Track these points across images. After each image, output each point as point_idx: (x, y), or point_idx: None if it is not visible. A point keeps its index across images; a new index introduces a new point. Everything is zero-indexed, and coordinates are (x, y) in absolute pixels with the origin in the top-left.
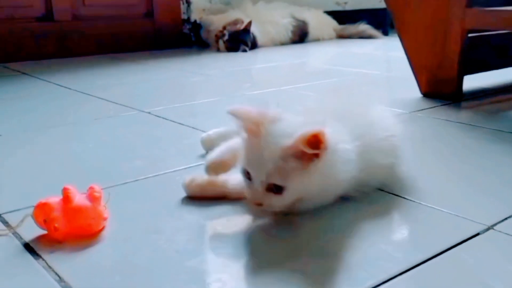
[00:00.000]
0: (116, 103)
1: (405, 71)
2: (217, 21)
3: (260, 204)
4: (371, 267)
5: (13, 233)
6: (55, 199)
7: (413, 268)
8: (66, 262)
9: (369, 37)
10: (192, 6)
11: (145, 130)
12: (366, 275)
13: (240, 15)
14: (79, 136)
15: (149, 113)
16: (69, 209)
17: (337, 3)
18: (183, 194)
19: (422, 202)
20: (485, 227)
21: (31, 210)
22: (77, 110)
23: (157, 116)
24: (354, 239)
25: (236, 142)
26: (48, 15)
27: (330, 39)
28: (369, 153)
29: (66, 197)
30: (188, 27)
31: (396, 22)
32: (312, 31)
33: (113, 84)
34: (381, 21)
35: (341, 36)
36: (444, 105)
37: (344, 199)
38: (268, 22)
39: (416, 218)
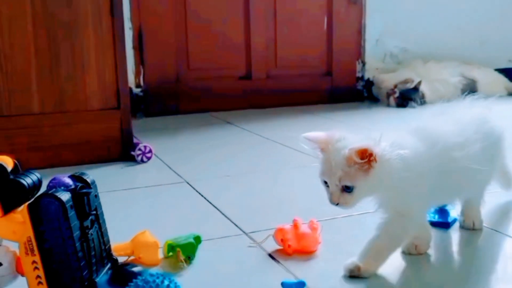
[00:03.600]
0: (303, 153)
1: None
2: (388, 80)
3: (337, 203)
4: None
5: (258, 246)
6: (288, 226)
7: None
8: (297, 267)
9: None
10: (367, 66)
11: None
12: None
13: (410, 74)
14: (285, 181)
15: None
16: (297, 234)
17: (510, 61)
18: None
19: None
20: None
21: (272, 231)
22: (274, 158)
23: None
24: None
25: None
26: (247, 75)
27: (500, 96)
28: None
29: (296, 225)
30: (361, 84)
31: None
32: (481, 89)
33: (298, 134)
34: None
35: None
36: None
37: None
38: (437, 80)
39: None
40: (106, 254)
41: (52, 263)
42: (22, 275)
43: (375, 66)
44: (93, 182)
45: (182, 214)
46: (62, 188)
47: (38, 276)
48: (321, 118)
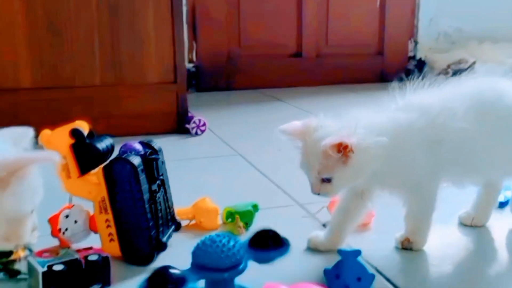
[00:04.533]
0: None
1: None
2: (440, 60)
3: (319, 193)
4: None
5: (312, 217)
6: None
7: None
8: (350, 238)
9: None
10: (419, 45)
11: None
12: None
13: (464, 54)
14: None
15: None
16: None
17: None
18: None
19: None
20: None
21: (326, 203)
22: None
23: None
24: None
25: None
26: (298, 53)
27: None
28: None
29: None
30: (413, 63)
31: None
32: None
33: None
34: None
35: None
36: None
37: None
38: (492, 61)
39: None
40: (170, 217)
41: (123, 222)
42: (95, 232)
43: (428, 45)
44: (160, 149)
45: (237, 184)
46: (133, 153)
47: (110, 234)
48: (370, 97)
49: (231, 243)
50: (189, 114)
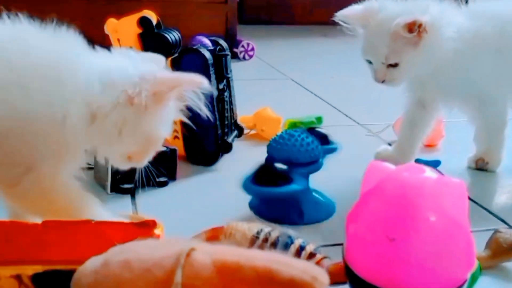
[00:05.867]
0: None
1: None
2: None
3: (383, 81)
4: None
5: (376, 136)
6: None
7: None
8: (424, 156)
9: None
10: None
11: None
12: None
13: None
14: None
15: None
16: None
17: None
18: None
19: None
20: None
21: (392, 123)
22: None
23: None
24: None
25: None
26: None
27: None
28: None
29: None
30: None
31: None
32: None
33: None
34: None
35: None
36: None
37: None
38: None
39: None
40: (234, 121)
41: (189, 119)
42: None
43: None
44: (227, 48)
45: (293, 103)
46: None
47: (175, 131)
48: None
49: (310, 138)
50: (237, 38)
